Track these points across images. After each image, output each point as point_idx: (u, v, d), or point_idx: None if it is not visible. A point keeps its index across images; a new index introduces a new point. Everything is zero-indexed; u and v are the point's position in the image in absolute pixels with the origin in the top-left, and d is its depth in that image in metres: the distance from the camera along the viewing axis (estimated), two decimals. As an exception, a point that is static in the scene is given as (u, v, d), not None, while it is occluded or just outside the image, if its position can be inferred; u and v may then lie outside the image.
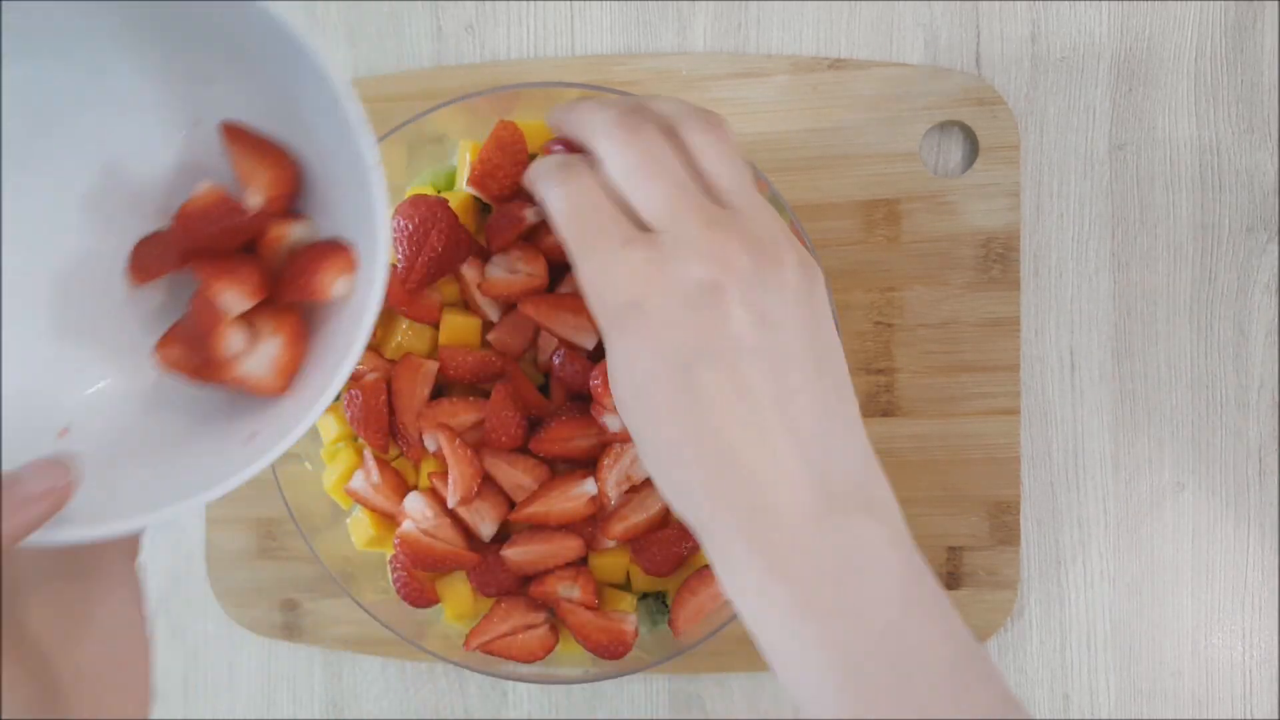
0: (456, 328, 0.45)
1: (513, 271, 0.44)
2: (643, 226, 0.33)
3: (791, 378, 0.32)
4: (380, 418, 0.46)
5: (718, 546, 0.32)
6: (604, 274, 0.32)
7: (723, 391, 0.31)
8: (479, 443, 0.45)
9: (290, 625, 0.56)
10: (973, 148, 0.52)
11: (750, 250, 0.32)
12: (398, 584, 0.47)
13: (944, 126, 0.53)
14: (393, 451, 0.47)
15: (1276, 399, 0.52)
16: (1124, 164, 0.52)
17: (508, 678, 0.46)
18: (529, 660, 0.46)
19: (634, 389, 0.32)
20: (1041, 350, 0.53)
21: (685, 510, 0.33)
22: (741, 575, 0.32)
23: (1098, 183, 0.52)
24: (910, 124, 0.52)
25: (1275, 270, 0.52)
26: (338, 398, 0.47)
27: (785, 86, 0.52)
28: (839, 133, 0.52)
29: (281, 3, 0.57)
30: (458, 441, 0.44)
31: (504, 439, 0.44)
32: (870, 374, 0.52)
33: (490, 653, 0.46)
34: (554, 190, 0.34)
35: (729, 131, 0.35)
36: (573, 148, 0.36)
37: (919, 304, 0.52)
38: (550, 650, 0.47)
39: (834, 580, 0.30)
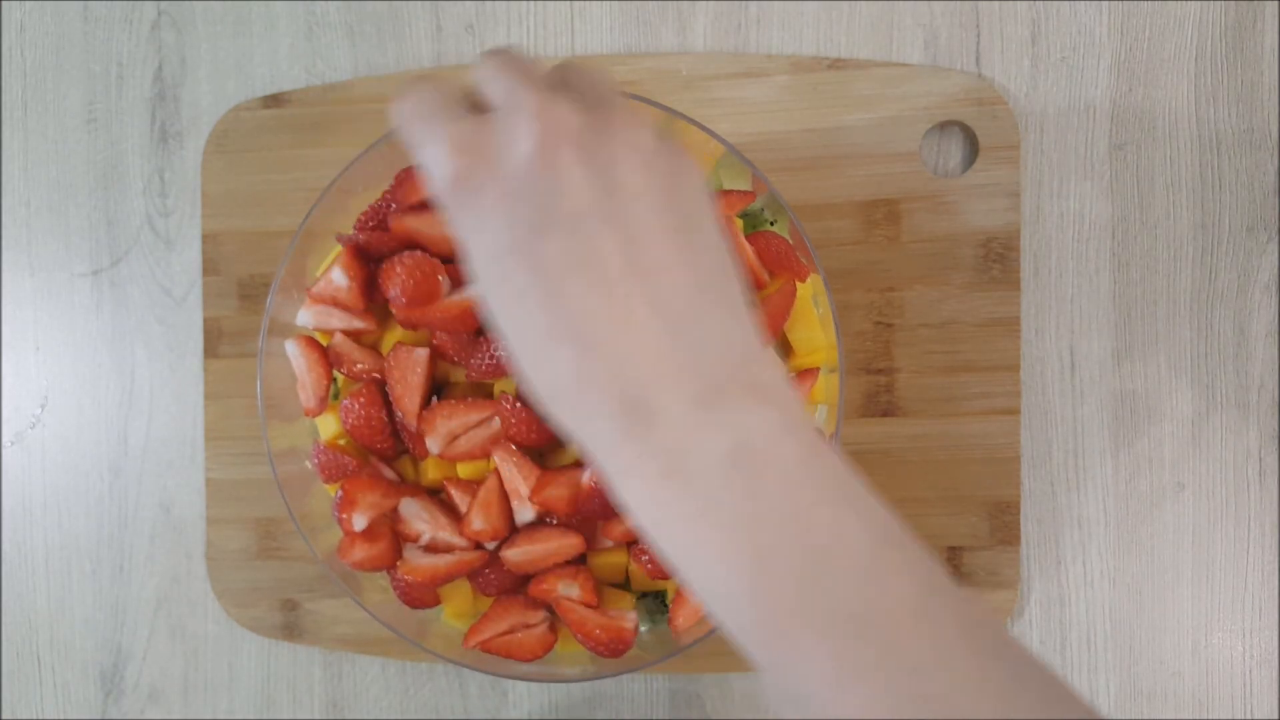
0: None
1: None
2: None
3: (651, 250, 0.29)
4: (380, 425, 0.45)
5: (602, 451, 0.29)
6: (436, 152, 0.30)
7: (572, 265, 0.28)
8: (490, 441, 0.45)
9: (290, 625, 0.56)
10: (973, 148, 0.52)
11: (588, 110, 0.29)
12: (397, 588, 0.47)
13: (944, 126, 0.53)
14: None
15: (1276, 399, 0.52)
16: (1124, 164, 0.52)
17: (507, 676, 0.46)
18: (528, 659, 0.46)
19: (484, 273, 0.30)
20: (1041, 350, 0.53)
21: (561, 414, 0.30)
22: (630, 481, 0.29)
23: (1098, 183, 0.52)
24: (910, 124, 0.52)
25: (1275, 270, 0.52)
26: (336, 395, 0.47)
27: (785, 86, 0.52)
28: (839, 133, 0.52)
29: (282, 2, 0.58)
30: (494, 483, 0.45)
31: (523, 436, 0.44)
32: (870, 374, 0.52)
33: (489, 651, 0.46)
34: (404, 108, 0.32)
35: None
36: None
37: (919, 304, 0.52)
38: (549, 649, 0.47)
39: (725, 476, 0.28)
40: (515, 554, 0.45)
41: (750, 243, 0.44)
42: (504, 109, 0.30)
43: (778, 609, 0.28)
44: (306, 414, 0.47)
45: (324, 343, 0.47)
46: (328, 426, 0.48)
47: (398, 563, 0.46)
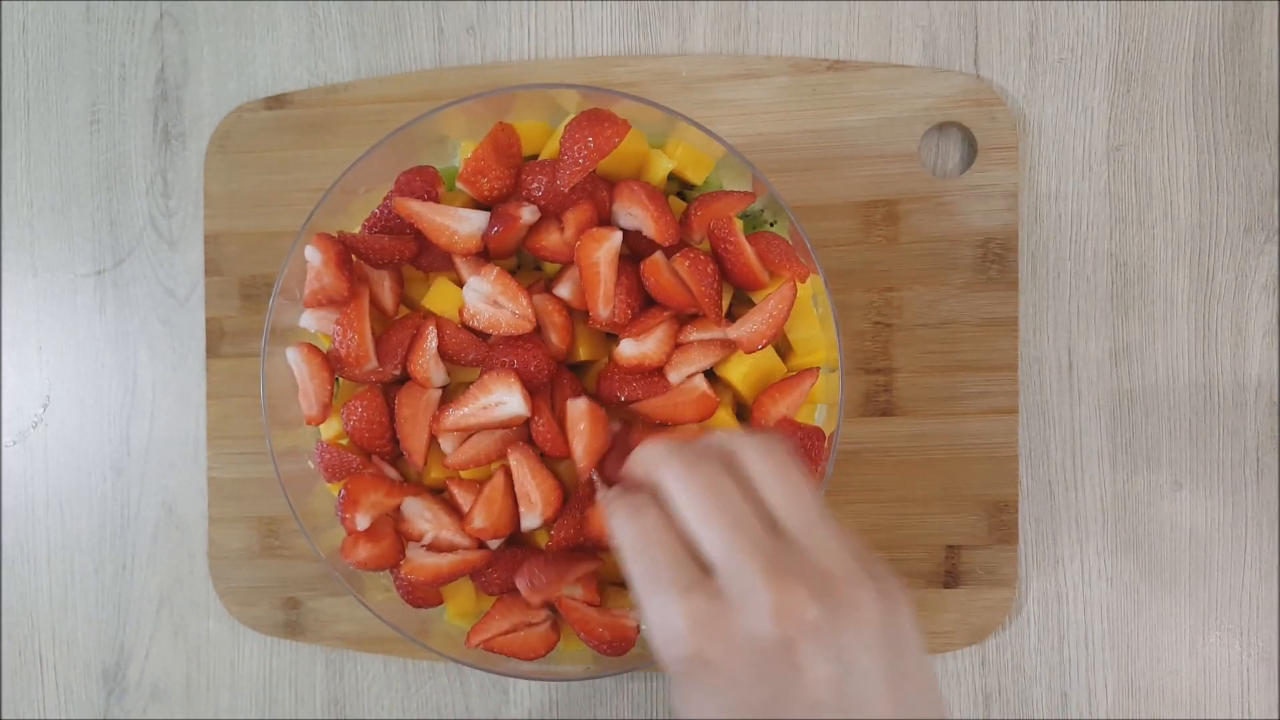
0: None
1: (495, 305, 0.44)
2: (706, 564, 0.32)
3: None
4: (381, 429, 0.46)
5: None
6: (666, 622, 0.31)
7: None
8: (501, 443, 0.45)
9: (292, 624, 0.56)
10: (971, 148, 0.52)
11: (820, 596, 0.30)
12: (400, 587, 0.47)
13: (942, 127, 0.53)
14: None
15: (1274, 399, 0.52)
16: (1122, 164, 0.53)
17: (510, 675, 0.47)
18: (530, 657, 0.47)
19: None
20: (1039, 350, 0.53)
21: None
22: None
23: (1096, 183, 0.53)
24: (909, 125, 0.52)
25: (1273, 270, 0.52)
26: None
27: (785, 87, 0.52)
28: (838, 133, 0.52)
29: (284, 3, 0.58)
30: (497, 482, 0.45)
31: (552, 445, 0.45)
32: (869, 374, 0.53)
33: (491, 650, 0.46)
34: (621, 526, 0.33)
35: (788, 457, 0.34)
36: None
37: (918, 304, 0.52)
38: (551, 647, 0.47)
39: None
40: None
41: (750, 243, 0.45)
42: (736, 585, 0.31)
43: None
44: (309, 423, 0.47)
45: (326, 345, 0.47)
46: (329, 426, 0.48)
47: (401, 562, 0.46)
